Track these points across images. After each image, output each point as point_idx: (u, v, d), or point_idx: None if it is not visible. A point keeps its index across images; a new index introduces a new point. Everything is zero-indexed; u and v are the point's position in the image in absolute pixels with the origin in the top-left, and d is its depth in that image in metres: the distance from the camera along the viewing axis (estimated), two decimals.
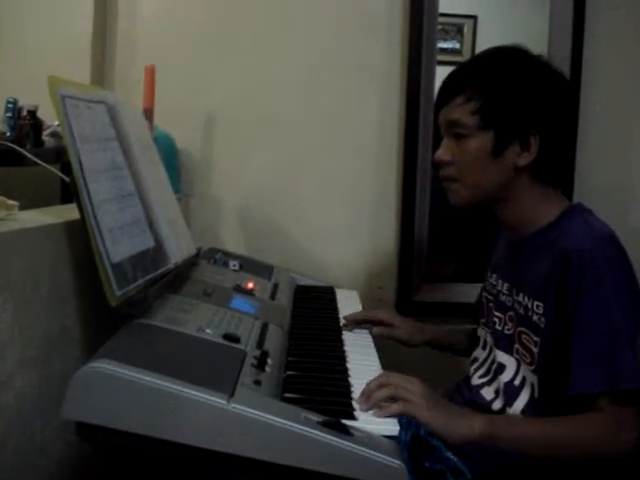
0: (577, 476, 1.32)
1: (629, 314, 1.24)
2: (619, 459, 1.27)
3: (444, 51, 3.85)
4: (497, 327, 1.47)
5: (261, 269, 1.94)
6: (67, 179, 1.21)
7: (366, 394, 1.18)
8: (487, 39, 3.78)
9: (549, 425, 1.24)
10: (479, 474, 1.34)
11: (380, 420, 1.12)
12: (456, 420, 1.18)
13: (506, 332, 1.43)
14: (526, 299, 1.36)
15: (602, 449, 1.22)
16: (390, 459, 0.98)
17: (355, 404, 1.17)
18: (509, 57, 1.39)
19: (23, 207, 1.25)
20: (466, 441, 1.19)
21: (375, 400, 1.16)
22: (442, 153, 1.42)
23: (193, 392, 0.95)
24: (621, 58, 2.34)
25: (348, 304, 1.84)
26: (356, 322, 1.66)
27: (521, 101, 1.34)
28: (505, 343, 1.43)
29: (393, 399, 1.17)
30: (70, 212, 1.28)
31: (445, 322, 1.91)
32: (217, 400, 0.95)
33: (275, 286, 1.82)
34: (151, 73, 1.98)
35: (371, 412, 1.14)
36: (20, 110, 1.81)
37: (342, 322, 1.67)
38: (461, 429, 1.17)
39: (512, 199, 1.39)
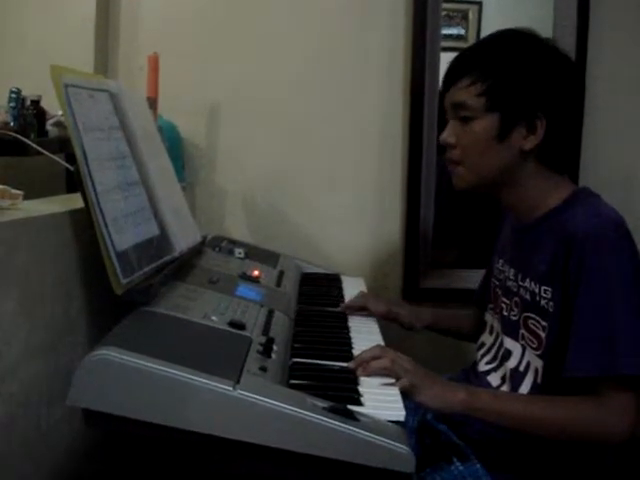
0: (579, 461, 1.33)
1: (631, 298, 1.23)
2: (611, 445, 1.28)
3: (449, 37, 3.81)
4: (504, 313, 1.46)
5: (267, 257, 1.94)
6: (71, 168, 1.21)
7: (360, 361, 1.25)
8: (492, 25, 3.74)
9: (535, 403, 1.26)
10: (502, 441, 1.34)
11: (386, 405, 1.12)
12: (441, 391, 1.22)
13: (512, 318, 1.43)
14: (532, 284, 1.36)
15: (590, 432, 1.22)
16: (397, 444, 0.98)
17: (361, 389, 1.17)
18: (516, 40, 1.38)
19: (27, 197, 1.25)
20: (450, 411, 1.23)
21: (372, 369, 1.22)
22: (447, 135, 1.41)
23: (199, 379, 0.95)
24: (626, 44, 2.32)
25: (354, 291, 1.83)
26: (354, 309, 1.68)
27: (528, 83, 1.33)
28: (511, 329, 1.43)
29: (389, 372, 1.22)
30: (75, 201, 1.28)
31: (452, 308, 1.90)
32: (223, 387, 0.96)
33: (281, 273, 1.82)
34: (155, 62, 1.98)
35: (377, 395, 1.15)
36: (24, 100, 1.81)
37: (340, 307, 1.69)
38: (444, 400, 1.21)
39: (517, 184, 1.38)
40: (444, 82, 1.43)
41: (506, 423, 1.24)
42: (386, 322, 1.70)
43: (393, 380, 1.20)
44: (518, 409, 1.25)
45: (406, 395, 1.18)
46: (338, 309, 1.68)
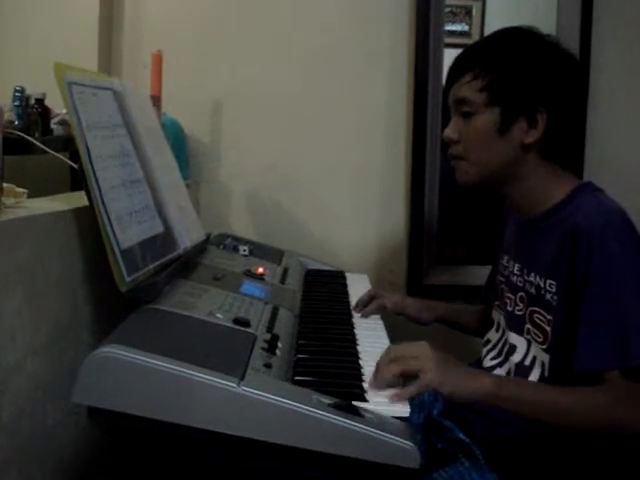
0: (584, 455, 1.32)
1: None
2: (626, 437, 1.27)
3: (452, 33, 3.80)
4: (508, 308, 1.47)
5: (271, 254, 1.94)
6: (76, 166, 1.21)
7: (375, 374, 1.19)
8: (496, 21, 3.74)
9: (558, 392, 1.22)
10: (508, 438, 1.34)
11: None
12: (465, 379, 1.18)
13: (517, 313, 1.43)
14: (537, 278, 1.36)
15: (611, 423, 1.20)
16: (402, 440, 0.98)
17: (366, 386, 1.17)
18: (517, 36, 1.40)
19: (32, 195, 1.26)
20: (473, 400, 1.19)
21: (383, 379, 1.17)
22: (450, 131, 1.42)
23: (203, 375, 0.95)
24: (631, 38, 2.32)
25: (358, 288, 1.84)
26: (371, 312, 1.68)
27: (528, 78, 1.34)
28: (516, 324, 1.43)
29: (403, 373, 1.17)
30: (79, 199, 1.29)
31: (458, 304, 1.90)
32: (227, 383, 0.95)
33: (285, 271, 1.82)
34: (158, 59, 1.98)
35: (386, 397, 1.13)
36: (28, 98, 1.80)
37: (353, 306, 1.69)
38: (469, 388, 1.17)
39: (520, 178, 1.39)
40: (447, 79, 1.44)
41: (527, 411, 1.20)
42: (393, 318, 1.70)
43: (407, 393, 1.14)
44: (548, 398, 1.20)
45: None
46: (354, 310, 1.68)
